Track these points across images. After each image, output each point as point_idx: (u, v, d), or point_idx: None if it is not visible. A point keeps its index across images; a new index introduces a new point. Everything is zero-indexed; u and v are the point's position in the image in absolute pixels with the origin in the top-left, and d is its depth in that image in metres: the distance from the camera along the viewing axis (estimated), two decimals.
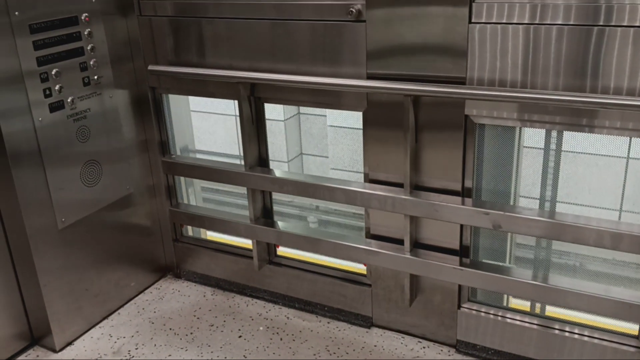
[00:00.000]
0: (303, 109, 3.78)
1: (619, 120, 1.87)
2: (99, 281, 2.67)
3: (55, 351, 2.52)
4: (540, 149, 2.19)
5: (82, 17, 2.36)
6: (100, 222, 2.62)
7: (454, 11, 1.95)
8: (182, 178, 2.93)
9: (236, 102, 2.47)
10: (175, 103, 2.82)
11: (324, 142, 3.69)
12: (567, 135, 2.17)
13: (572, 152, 2.36)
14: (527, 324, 2.26)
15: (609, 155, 2.46)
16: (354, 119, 2.37)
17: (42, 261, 2.39)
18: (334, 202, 2.40)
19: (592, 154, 2.48)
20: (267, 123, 2.60)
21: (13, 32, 2.13)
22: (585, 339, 2.17)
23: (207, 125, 3.89)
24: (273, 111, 3.61)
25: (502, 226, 2.07)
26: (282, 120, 3.60)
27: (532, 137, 2.22)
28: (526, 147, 2.23)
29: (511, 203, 2.23)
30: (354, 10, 2.10)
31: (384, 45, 2.11)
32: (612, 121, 1.88)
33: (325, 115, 3.56)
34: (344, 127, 3.43)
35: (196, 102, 3.58)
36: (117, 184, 2.65)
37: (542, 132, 2.18)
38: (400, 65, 2.10)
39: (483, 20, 1.94)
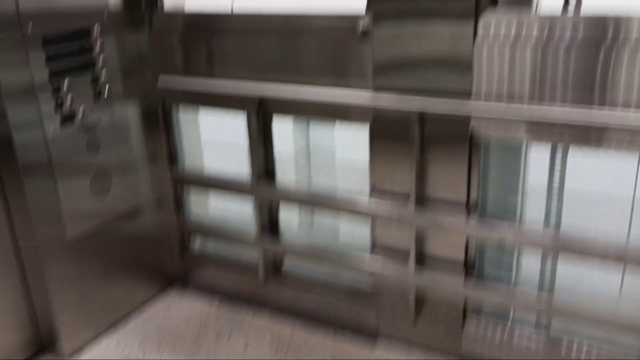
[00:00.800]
0: (313, 140, 3.79)
1: (629, 135, 1.86)
2: (107, 290, 2.70)
3: (64, 358, 2.54)
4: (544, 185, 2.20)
5: (94, 30, 2.41)
6: (110, 233, 2.65)
7: (460, 26, 1.97)
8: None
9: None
10: (187, 132, 2.86)
11: (333, 174, 3.69)
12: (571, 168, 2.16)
13: (577, 189, 2.34)
14: (533, 336, 2.26)
15: (615, 196, 2.44)
16: (362, 152, 2.39)
17: (52, 270, 2.42)
18: (339, 213, 2.41)
19: (597, 192, 2.46)
20: (277, 154, 2.62)
21: (26, 44, 2.18)
22: (593, 351, 2.16)
23: (219, 158, 3.89)
24: (282, 142, 3.61)
25: (507, 240, 2.07)
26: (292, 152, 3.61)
27: (537, 173, 2.22)
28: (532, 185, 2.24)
29: (517, 217, 2.23)
30: (360, 26, 2.13)
31: (390, 59, 2.13)
32: (621, 137, 1.88)
33: (334, 146, 3.56)
34: (352, 159, 3.44)
35: (208, 133, 3.59)
36: (126, 195, 2.68)
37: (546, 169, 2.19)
38: (406, 80, 2.12)
39: (490, 35, 1.95)
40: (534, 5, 1.93)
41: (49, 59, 2.26)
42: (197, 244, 3.04)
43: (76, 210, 2.46)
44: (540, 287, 2.32)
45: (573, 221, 2.19)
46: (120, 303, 2.78)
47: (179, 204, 2.91)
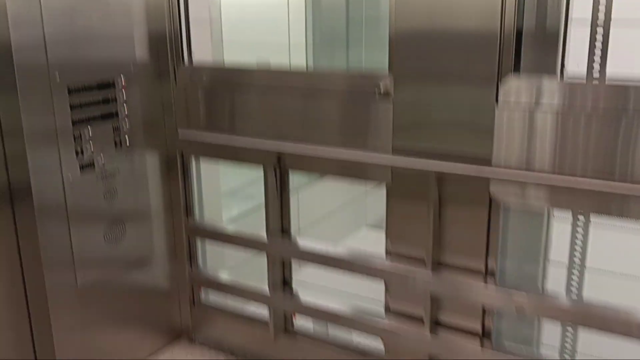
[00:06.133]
0: None
1: None
2: (113, 341, 2.64)
3: None
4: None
5: (119, 82, 2.45)
6: (119, 281, 2.62)
7: (481, 92, 1.97)
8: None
9: None
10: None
11: None
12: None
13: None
14: None
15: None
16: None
17: (58, 317, 2.38)
18: (353, 274, 2.36)
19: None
20: None
21: (51, 92, 2.22)
22: None
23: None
24: None
25: (525, 310, 2.01)
26: None
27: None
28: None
29: (537, 287, 2.17)
30: (381, 87, 2.14)
31: (410, 121, 2.13)
32: None
33: None
34: None
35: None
36: (139, 244, 2.66)
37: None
38: (426, 141, 2.11)
39: (511, 102, 1.95)
40: (557, 73, 1.93)
41: (73, 108, 2.29)
42: (208, 297, 2.99)
43: (88, 257, 2.44)
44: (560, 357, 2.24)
45: (594, 293, 2.13)
46: (124, 355, 2.71)
47: (192, 256, 2.88)
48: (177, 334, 3.00)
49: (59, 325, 2.39)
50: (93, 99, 2.36)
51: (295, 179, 2.70)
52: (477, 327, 2.20)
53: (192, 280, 2.88)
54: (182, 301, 2.95)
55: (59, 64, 2.23)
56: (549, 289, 2.20)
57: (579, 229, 2.15)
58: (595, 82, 1.85)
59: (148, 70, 2.59)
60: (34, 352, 2.47)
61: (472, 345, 2.15)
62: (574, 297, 2.15)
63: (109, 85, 2.42)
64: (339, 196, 4.68)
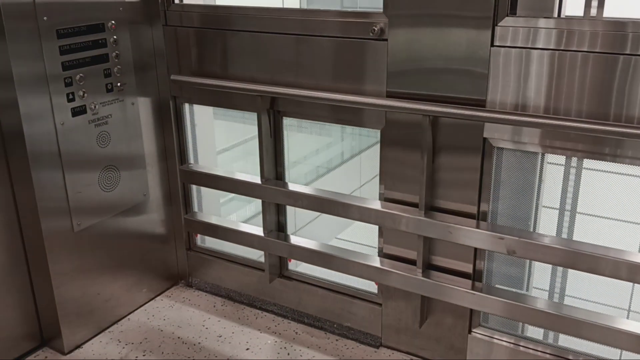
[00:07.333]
0: None
1: None
2: (111, 286, 2.68)
3: (63, 353, 2.53)
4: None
5: (109, 25, 2.40)
6: (116, 227, 2.64)
7: (477, 34, 1.94)
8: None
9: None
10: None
11: None
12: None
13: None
14: (539, 353, 2.22)
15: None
16: None
17: (56, 263, 2.41)
18: (348, 218, 2.39)
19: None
20: None
21: (40, 36, 2.17)
22: None
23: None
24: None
25: (516, 252, 2.04)
26: None
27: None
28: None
29: (530, 229, 2.20)
30: (376, 28, 2.11)
31: (404, 64, 2.10)
32: (636, 151, 1.85)
33: None
34: None
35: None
36: (134, 190, 2.67)
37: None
38: (420, 85, 2.10)
39: (507, 44, 1.92)
40: (554, 14, 1.90)
41: (63, 52, 2.25)
42: (203, 242, 3.02)
43: (83, 203, 2.45)
44: (550, 301, 2.29)
45: (585, 236, 2.16)
46: (123, 299, 2.76)
47: (187, 202, 2.89)
48: (174, 279, 3.05)
49: (57, 271, 2.41)
50: (83, 42, 2.32)
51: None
52: (469, 269, 2.24)
53: (187, 225, 2.90)
54: (178, 246, 2.99)
55: (46, 7, 2.17)
56: (540, 232, 2.23)
57: (572, 174, 2.16)
58: (593, 17, 1.83)
59: (138, 11, 2.53)
60: (34, 298, 2.51)
61: (463, 288, 2.19)
62: (565, 240, 2.18)
63: (99, 28, 2.37)
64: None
